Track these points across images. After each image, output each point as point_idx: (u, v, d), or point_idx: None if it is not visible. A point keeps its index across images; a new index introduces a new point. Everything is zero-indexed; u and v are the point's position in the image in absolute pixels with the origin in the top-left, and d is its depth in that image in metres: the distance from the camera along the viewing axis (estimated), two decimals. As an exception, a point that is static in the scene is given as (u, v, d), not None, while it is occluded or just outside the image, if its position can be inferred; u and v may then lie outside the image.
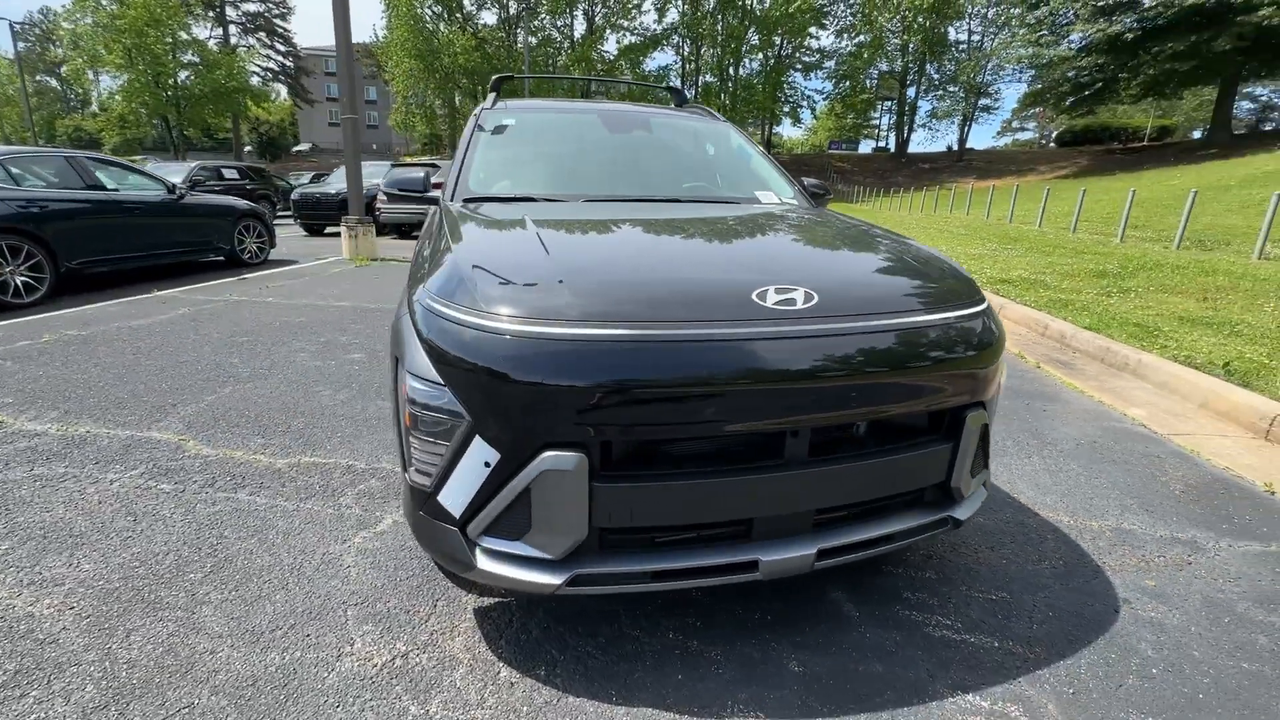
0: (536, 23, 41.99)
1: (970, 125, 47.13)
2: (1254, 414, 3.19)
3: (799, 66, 46.45)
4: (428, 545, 1.56)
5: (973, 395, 1.58)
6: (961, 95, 45.34)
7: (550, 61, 43.10)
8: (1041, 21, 33.82)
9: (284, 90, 56.58)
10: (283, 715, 1.38)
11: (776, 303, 1.44)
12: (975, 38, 45.34)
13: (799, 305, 1.44)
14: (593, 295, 1.43)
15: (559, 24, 43.88)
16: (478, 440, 1.36)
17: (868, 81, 48.38)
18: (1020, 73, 42.27)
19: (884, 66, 46.64)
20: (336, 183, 13.49)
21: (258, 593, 1.79)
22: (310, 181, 20.31)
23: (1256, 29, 24.79)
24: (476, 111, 2.92)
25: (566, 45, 43.33)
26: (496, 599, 1.80)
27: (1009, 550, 2.11)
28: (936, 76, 46.44)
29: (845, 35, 45.59)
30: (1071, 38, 32.19)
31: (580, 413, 1.30)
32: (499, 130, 2.76)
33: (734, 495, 1.41)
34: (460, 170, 2.47)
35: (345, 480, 2.46)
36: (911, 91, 46.80)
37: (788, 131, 67.89)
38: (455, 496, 1.43)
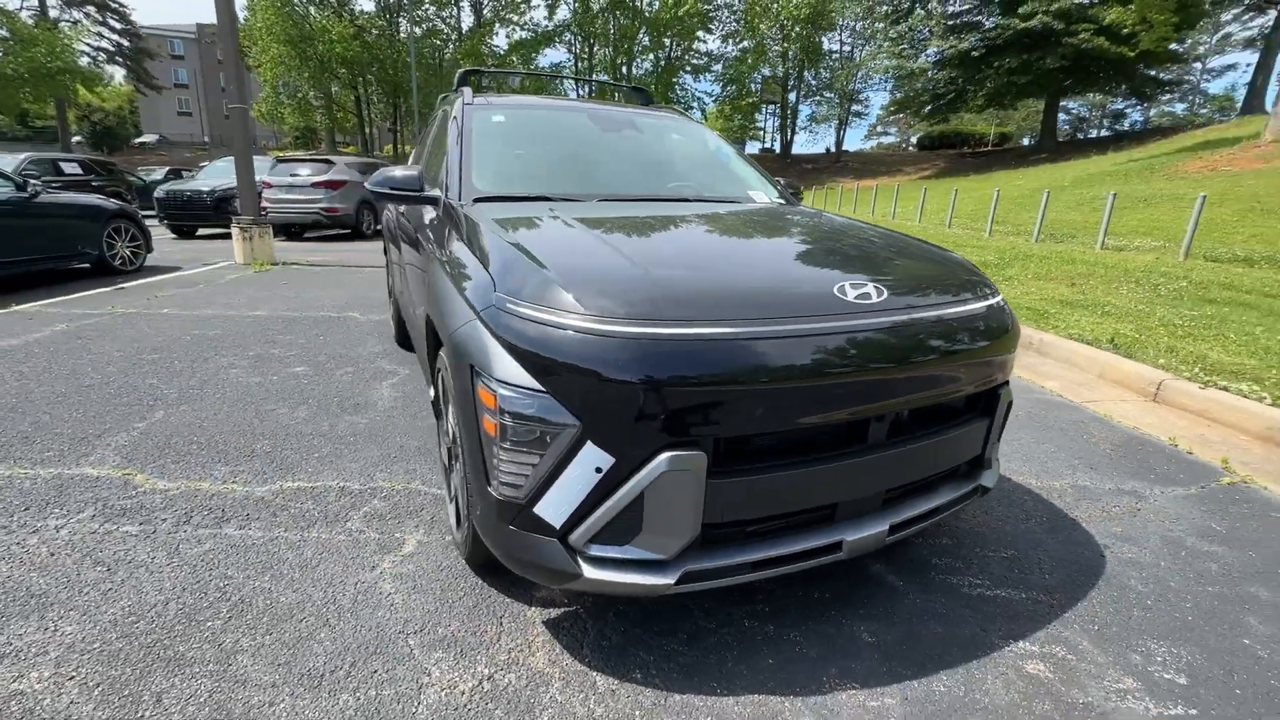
0: (420, 12, 40.00)
1: (845, 129, 50.88)
2: (1142, 380, 3.77)
3: (688, 69, 47.80)
4: (517, 560, 1.49)
5: (1004, 373, 1.76)
6: (837, 101, 48.82)
7: (437, 54, 41.28)
8: (903, 37, 37.17)
9: (121, 74, 49.74)
10: (387, 758, 1.27)
11: (855, 297, 1.52)
12: (846, 48, 49.01)
13: (874, 299, 1.53)
14: (697, 295, 1.44)
15: (445, 15, 42.10)
16: (589, 446, 1.33)
17: (753, 85, 50.72)
18: (885, 82, 46.24)
19: (767, 71, 49.12)
20: (210, 179, 12.12)
21: (298, 633, 1.62)
22: (169, 177, 18.09)
23: (1075, 50, 28.79)
24: (457, 106, 2.77)
25: (454, 37, 41.68)
26: (562, 609, 1.75)
27: (1000, 513, 2.36)
28: (814, 83, 49.60)
29: (730, 40, 47.50)
30: (928, 52, 35.68)
31: (701, 411, 1.31)
32: (492, 127, 2.64)
33: (827, 480, 1.49)
34: (460, 168, 2.34)
35: (344, 504, 2.27)
36: (793, 96, 49.70)
37: (679, 132, 69.41)
38: (556, 506, 1.39)
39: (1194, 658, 1.63)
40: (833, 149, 53.49)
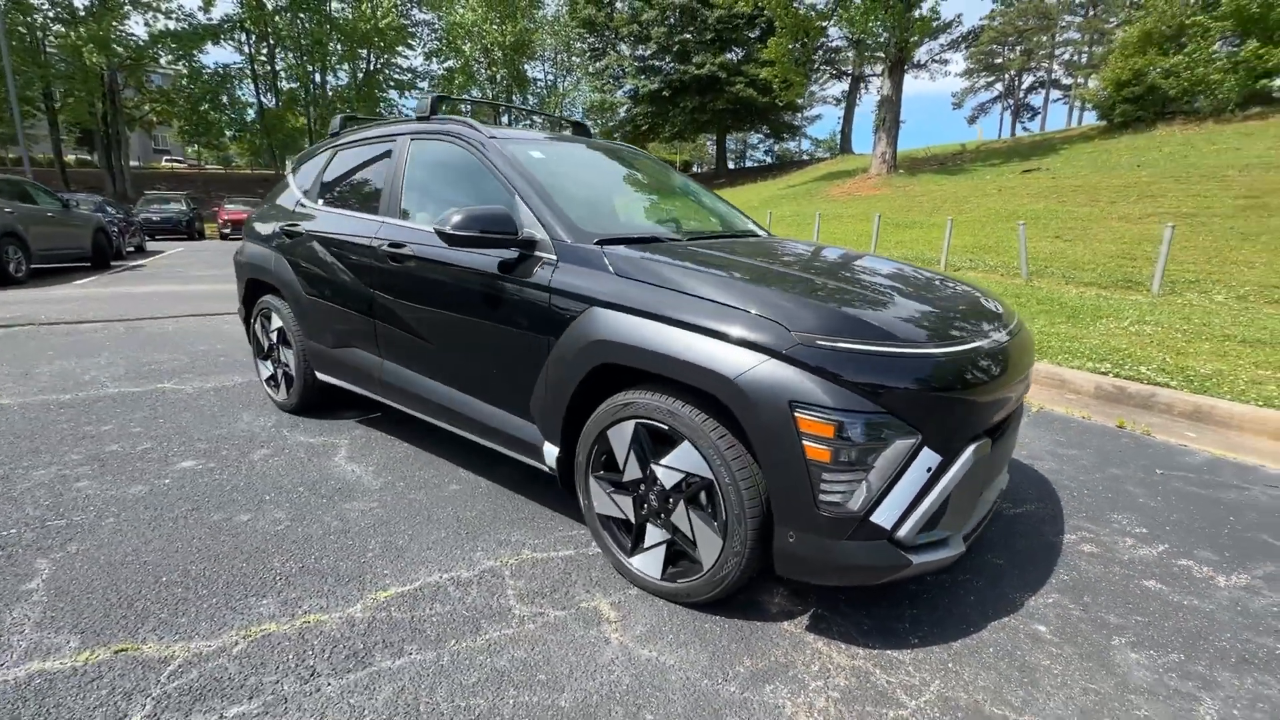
0: (0, -23, 29.54)
1: (558, 153, 54.00)
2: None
3: (392, 84, 45.15)
4: (841, 568, 1.64)
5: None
6: (548, 127, 51.58)
7: (34, 34, 31.04)
8: (601, 73, 41.23)
9: None
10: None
11: (1001, 318, 2.04)
12: (550, 77, 52.09)
13: (1005, 318, 2.07)
14: (951, 320, 1.80)
15: (44, -14, 31.87)
16: (925, 450, 1.58)
17: (463, 108, 50.34)
18: (589, 114, 50.59)
19: (477, 93, 49.27)
20: None
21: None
22: None
23: (735, 97, 35.80)
24: (481, 136, 2.52)
25: (64, 16, 31.85)
26: (800, 610, 1.91)
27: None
28: (524, 107, 51.52)
29: (435, 58, 46.35)
30: (626, 88, 40.29)
31: (985, 407, 1.68)
32: (538, 164, 2.48)
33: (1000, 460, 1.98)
34: (551, 208, 2.20)
35: (482, 595, 1.97)
36: (505, 119, 50.80)
37: (385, 149, 64.69)
38: (890, 510, 1.60)
39: None
40: (549, 171, 56.18)
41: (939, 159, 24.73)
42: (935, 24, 21.51)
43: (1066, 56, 62.89)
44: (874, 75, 43.49)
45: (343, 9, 39.05)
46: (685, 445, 1.78)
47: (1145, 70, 21.16)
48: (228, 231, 21.50)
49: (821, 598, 2.00)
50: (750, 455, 1.70)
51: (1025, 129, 63.94)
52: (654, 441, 1.88)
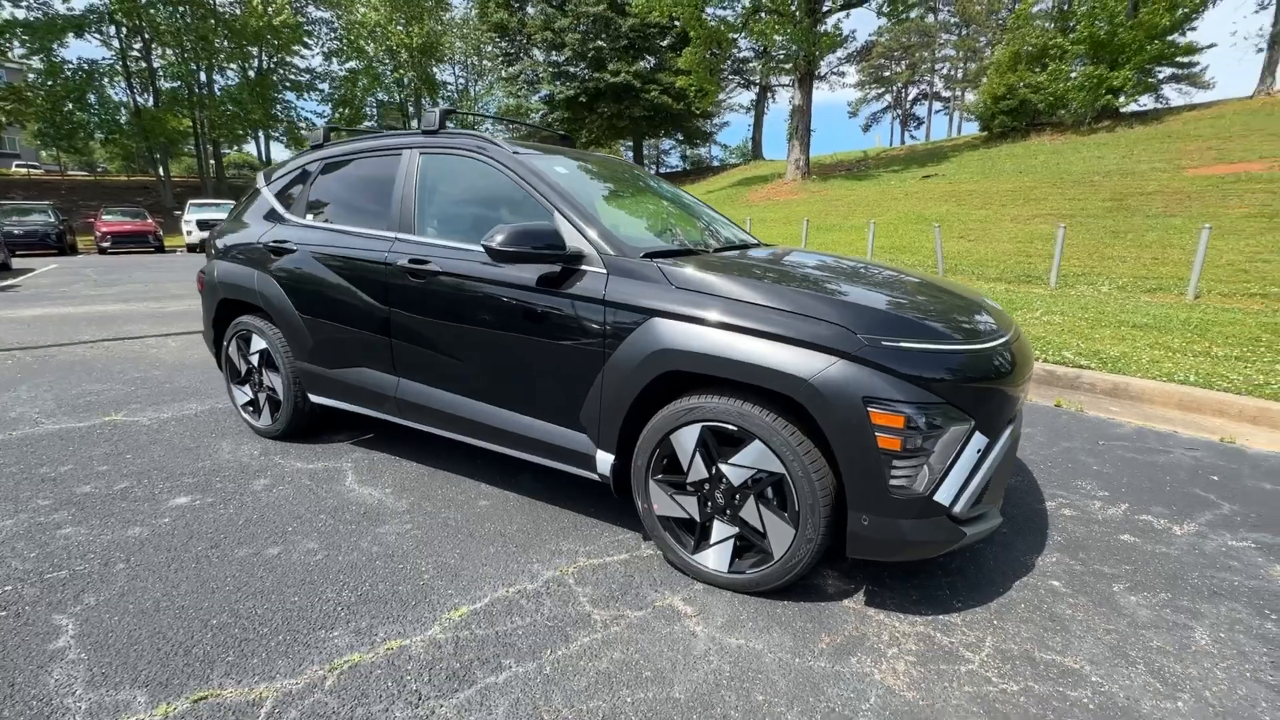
0: None
1: (473, 158, 52.65)
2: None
3: (289, 85, 42.37)
4: (910, 544, 1.82)
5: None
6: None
7: None
8: (516, 77, 40.70)
9: None
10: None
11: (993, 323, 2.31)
12: (461, 81, 50.74)
13: (1008, 321, 2.34)
14: (981, 318, 2.03)
15: None
16: (976, 434, 1.79)
17: (368, 110, 48.08)
18: (502, 119, 49.70)
19: (384, 96, 47.22)
20: None
21: None
22: None
23: (652, 104, 36.47)
24: (506, 151, 2.53)
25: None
26: (856, 590, 2.09)
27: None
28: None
29: (335, 59, 43.97)
30: (541, 93, 39.99)
31: (1015, 394, 1.92)
32: (564, 179, 2.51)
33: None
34: (594, 223, 2.26)
35: (555, 603, 2.00)
36: (415, 124, 48.96)
37: (279, 153, 60.52)
38: (949, 489, 1.80)
39: None
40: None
41: (846, 165, 26.41)
42: (838, 39, 22.92)
43: (945, 71, 68.82)
44: (780, 85, 45.78)
45: (230, 4, 36.27)
46: (756, 444, 1.90)
47: (1016, 86, 23.62)
48: (107, 245, 19.40)
49: (869, 576, 2.19)
50: (818, 449, 1.86)
51: (913, 137, 69.39)
52: (719, 442, 2.00)
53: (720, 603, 2.02)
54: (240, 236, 3.33)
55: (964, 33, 62.18)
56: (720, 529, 2.06)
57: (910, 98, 73.55)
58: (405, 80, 45.85)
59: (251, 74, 38.98)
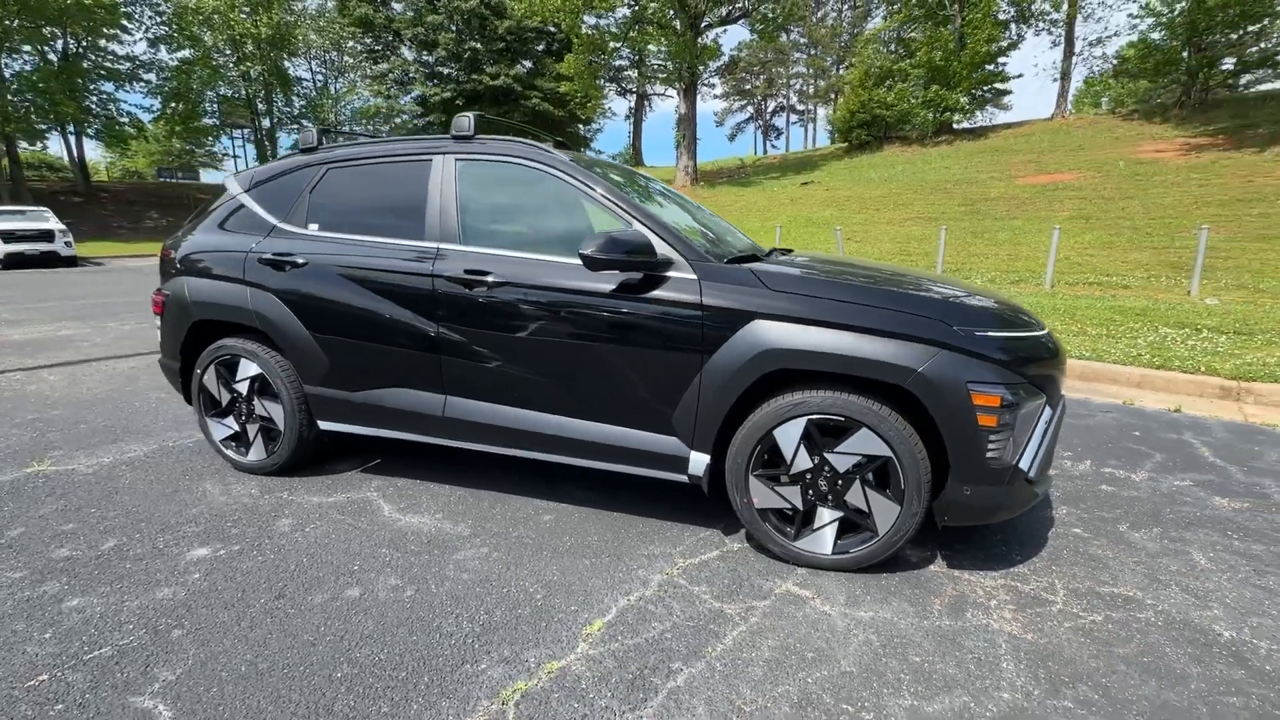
0: None
1: (336, 161, 48.68)
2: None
3: (103, 73, 36.65)
4: (1005, 507, 2.09)
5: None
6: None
7: None
8: (384, 76, 38.33)
9: None
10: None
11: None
12: (320, 78, 46.82)
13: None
14: (1022, 310, 2.34)
15: None
16: (1047, 408, 2.10)
17: (208, 105, 42.88)
18: (365, 120, 46.56)
19: (226, 90, 42.36)
20: None
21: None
22: None
23: (533, 110, 36.07)
24: (564, 159, 2.48)
25: None
26: (918, 557, 2.33)
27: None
28: (288, 110, 45.58)
29: (164, 46, 38.71)
30: (413, 94, 37.99)
31: (1063, 373, 2.26)
32: (626, 186, 2.52)
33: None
34: (673, 230, 2.31)
35: (689, 609, 2.04)
36: (268, 122, 44.42)
37: (92, 153, 52.01)
38: (1028, 457, 2.09)
39: None
40: (326, 181, 50.48)
41: (728, 171, 27.93)
42: (718, 53, 24.21)
43: (798, 87, 74.87)
44: (657, 94, 47.31)
45: (19, -25, 30.70)
46: (863, 431, 2.07)
47: (869, 103, 26.40)
48: None
49: (937, 543, 2.44)
50: (916, 431, 2.07)
51: (774, 146, 74.67)
52: (823, 433, 2.14)
53: (830, 584, 2.17)
54: (216, 249, 2.94)
55: (812, 53, 68.03)
56: (824, 514, 2.20)
57: (770, 110, 79.19)
58: (252, 74, 41.51)
59: (52, 57, 33.27)
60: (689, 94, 23.97)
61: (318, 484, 2.93)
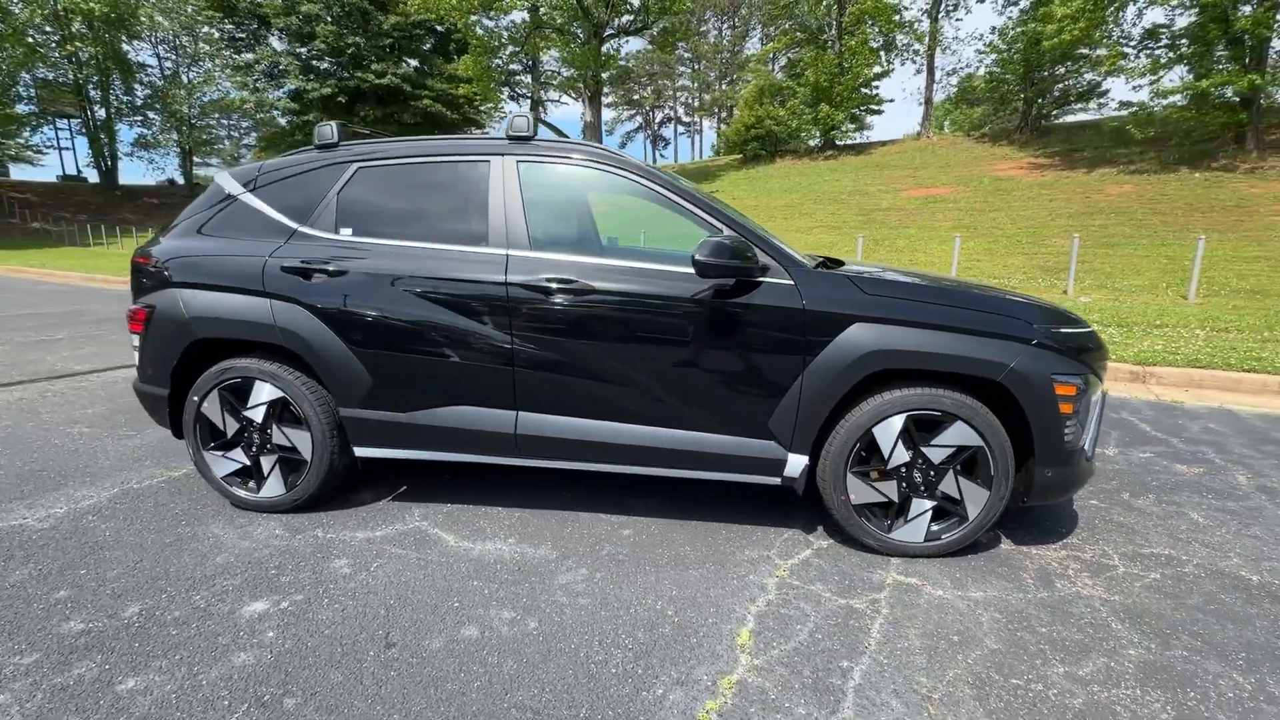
0: None
1: (192, 159, 43.56)
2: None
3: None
4: (1076, 483, 2.32)
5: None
6: (173, 126, 41.10)
7: None
8: (250, 67, 34.82)
9: None
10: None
11: None
12: (170, 65, 41.60)
13: None
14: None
15: None
16: (1103, 394, 2.36)
17: (22, 89, 36.71)
18: (222, 113, 42.12)
19: (47, 73, 36.49)
20: None
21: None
22: None
23: (425, 112, 34.45)
24: (636, 162, 2.42)
25: None
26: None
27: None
28: (129, 99, 40.12)
29: (-41, 17, 32.61)
30: (286, 88, 34.83)
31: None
32: (701, 191, 2.49)
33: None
34: (765, 236, 2.34)
35: (817, 594, 2.07)
36: (103, 112, 38.76)
37: None
38: (1089, 438, 2.34)
39: None
40: (178, 180, 45.12)
41: (631, 180, 28.33)
42: (619, 62, 24.53)
43: (684, 99, 77.65)
44: (552, 100, 47.04)
45: None
46: (958, 424, 2.22)
47: (763, 118, 28.00)
48: None
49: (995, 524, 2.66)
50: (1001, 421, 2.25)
51: (662, 155, 76.93)
52: (918, 428, 2.27)
53: (929, 570, 2.29)
54: (219, 256, 2.55)
55: (697, 67, 70.85)
56: (918, 505, 2.33)
57: (658, 120, 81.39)
58: (82, 56, 36.13)
59: None
60: (594, 102, 24.09)
61: (351, 518, 2.63)
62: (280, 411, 2.55)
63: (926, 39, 26.50)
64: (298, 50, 33.78)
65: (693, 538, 2.50)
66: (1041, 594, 2.14)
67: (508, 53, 27.53)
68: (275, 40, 35.08)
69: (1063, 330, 2.29)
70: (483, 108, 35.94)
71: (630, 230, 2.22)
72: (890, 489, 2.32)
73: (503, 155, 2.50)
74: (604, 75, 23.27)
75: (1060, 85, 23.42)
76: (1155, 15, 17.03)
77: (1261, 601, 2.11)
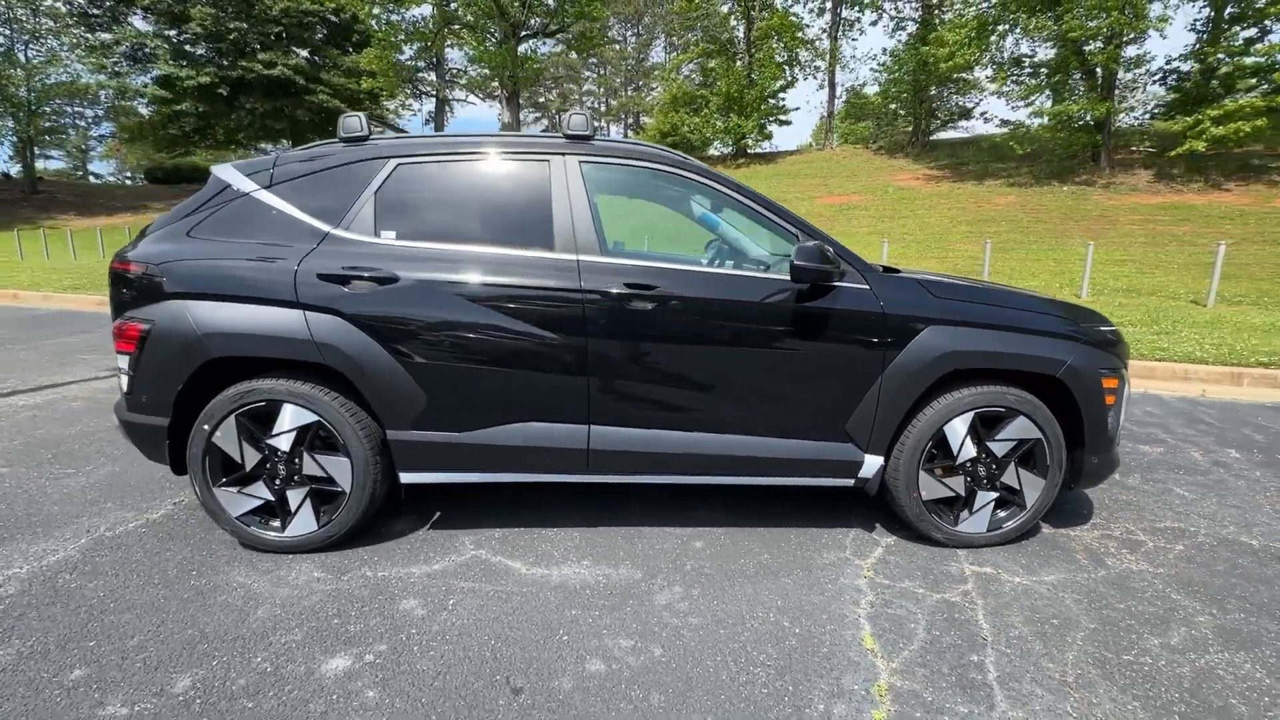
0: None
1: (33, 150, 37.82)
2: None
3: None
4: (1111, 470, 2.51)
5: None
6: (7, 112, 35.44)
7: None
8: (110, 48, 30.84)
9: None
10: None
11: None
12: (1, 41, 35.85)
13: None
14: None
15: None
16: (1127, 386, 2.59)
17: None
18: (83, 100, 37.07)
19: None
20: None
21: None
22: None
23: (320, 107, 32.09)
24: (704, 167, 2.36)
25: None
26: (1039, 521, 2.73)
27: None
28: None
29: None
30: (152, 73, 31.15)
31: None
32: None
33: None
34: (835, 242, 2.35)
35: (908, 592, 2.11)
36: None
37: None
38: (1120, 426, 2.55)
39: None
40: (20, 174, 39.11)
41: (550, 184, 27.93)
42: (536, 63, 24.14)
43: (590, 105, 77.85)
44: (459, 100, 45.48)
45: None
46: (1020, 419, 2.36)
47: (678, 125, 28.59)
48: None
49: (1026, 509, 2.84)
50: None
51: (576, 160, 76.27)
52: (983, 424, 2.38)
53: (996, 558, 2.41)
54: (233, 262, 2.20)
55: (602, 72, 71.24)
56: (982, 497, 2.44)
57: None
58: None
59: None
60: (512, 103, 23.54)
61: (395, 552, 2.37)
62: (317, 438, 2.25)
63: (828, 56, 28.23)
64: (167, 33, 30.39)
65: (766, 544, 2.48)
66: (1100, 572, 2.31)
67: (415, 48, 26.22)
68: (139, 20, 31.38)
69: (1099, 328, 2.49)
70: (390, 105, 34.14)
71: (635, 233, 2.19)
72: (957, 483, 2.42)
73: (563, 155, 2.36)
74: (520, 74, 22.77)
75: (944, 105, 25.79)
76: (1029, 46, 19.13)
77: (1272, 563, 2.40)
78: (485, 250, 2.27)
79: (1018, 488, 2.44)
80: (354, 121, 2.40)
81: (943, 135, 27.73)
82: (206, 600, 2.03)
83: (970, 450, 2.38)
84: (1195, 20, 17.37)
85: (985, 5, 19.32)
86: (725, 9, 29.07)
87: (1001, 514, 2.48)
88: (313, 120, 32.52)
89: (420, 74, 41.21)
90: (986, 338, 2.32)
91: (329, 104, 32.18)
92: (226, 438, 2.22)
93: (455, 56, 40.54)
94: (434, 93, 42.53)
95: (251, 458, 2.25)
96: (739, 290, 2.29)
